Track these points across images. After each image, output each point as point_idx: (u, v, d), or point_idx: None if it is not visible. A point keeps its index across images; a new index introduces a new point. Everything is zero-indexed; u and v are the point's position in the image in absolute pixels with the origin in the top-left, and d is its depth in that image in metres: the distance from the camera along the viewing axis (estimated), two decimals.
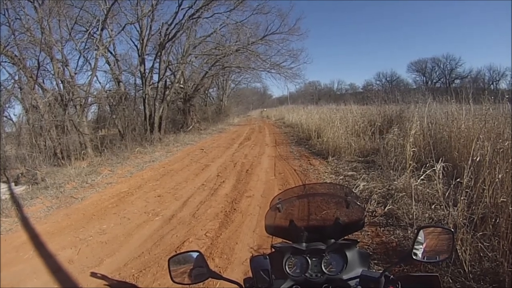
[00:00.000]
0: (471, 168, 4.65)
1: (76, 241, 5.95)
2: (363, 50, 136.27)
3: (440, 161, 5.29)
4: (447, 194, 4.87)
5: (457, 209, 4.29)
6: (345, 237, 1.73)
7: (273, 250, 1.69)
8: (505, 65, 65.47)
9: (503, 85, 64.90)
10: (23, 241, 6.26)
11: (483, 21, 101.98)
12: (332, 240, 1.62)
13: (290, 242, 1.70)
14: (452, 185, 5.05)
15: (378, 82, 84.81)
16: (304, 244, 1.64)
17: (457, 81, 73.85)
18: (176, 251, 4.96)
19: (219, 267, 4.52)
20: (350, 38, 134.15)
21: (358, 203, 1.78)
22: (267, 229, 1.86)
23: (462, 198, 4.29)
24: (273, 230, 1.86)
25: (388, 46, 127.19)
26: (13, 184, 10.83)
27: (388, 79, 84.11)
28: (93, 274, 4.65)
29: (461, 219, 4.10)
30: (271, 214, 1.80)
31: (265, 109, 70.87)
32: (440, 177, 5.04)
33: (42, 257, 5.47)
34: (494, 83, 68.56)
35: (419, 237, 1.48)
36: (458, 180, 4.86)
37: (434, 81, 78.44)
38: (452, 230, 1.49)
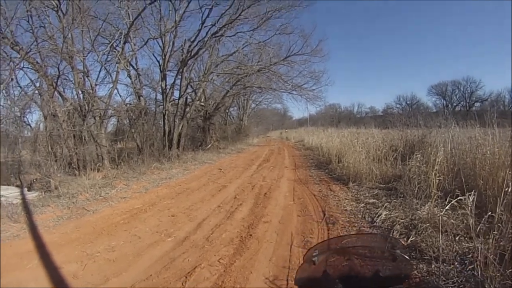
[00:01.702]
0: (504, 200, 4.40)
1: (83, 255, 5.76)
2: (384, 73, 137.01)
3: (472, 193, 5.00)
4: (479, 225, 4.61)
5: (488, 244, 4.05)
6: None
7: None
8: None
9: None
10: (28, 249, 6.15)
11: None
12: None
13: None
14: (477, 216, 4.82)
15: (398, 106, 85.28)
16: None
17: (477, 104, 74.00)
18: (186, 277, 4.76)
19: None
20: (371, 61, 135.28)
21: (407, 257, 1.58)
22: (297, 282, 1.63)
23: (494, 232, 4.05)
24: (303, 282, 1.62)
25: (409, 70, 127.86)
26: (26, 189, 10.75)
27: (408, 102, 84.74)
28: None
29: (492, 256, 3.83)
30: (305, 267, 1.60)
31: (286, 130, 71.08)
32: (473, 208, 4.75)
33: (45, 268, 5.32)
34: None
35: None
36: (489, 213, 4.58)
37: (455, 104, 78.67)
38: None
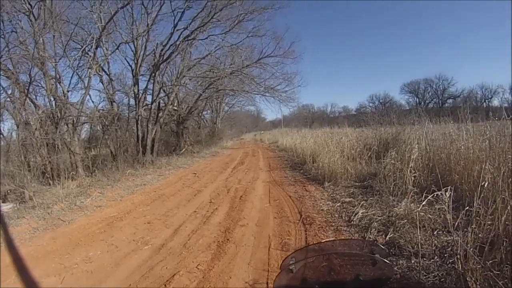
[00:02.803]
0: (481, 194, 4.45)
1: (60, 268, 5.64)
2: (356, 73, 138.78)
3: (448, 188, 5.05)
4: (458, 219, 4.66)
5: (466, 237, 4.09)
6: None
7: None
8: (497, 83, 66.65)
9: (495, 102, 66.22)
10: (6, 264, 5.97)
11: (474, 40, 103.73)
12: None
13: None
14: (454, 210, 4.89)
15: (371, 104, 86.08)
16: None
17: (450, 100, 75.42)
18: (165, 285, 4.71)
19: None
20: (343, 61, 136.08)
21: (386, 261, 1.56)
22: None
23: (472, 226, 4.10)
24: None
25: (381, 69, 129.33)
26: (0, 201, 10.57)
27: (381, 101, 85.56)
28: None
29: (471, 249, 3.88)
30: (283, 276, 1.56)
31: (262, 132, 71.11)
32: (450, 203, 4.80)
33: (24, 283, 5.21)
34: (486, 100, 69.73)
35: None
36: (467, 207, 4.67)
37: (427, 101, 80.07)
38: None
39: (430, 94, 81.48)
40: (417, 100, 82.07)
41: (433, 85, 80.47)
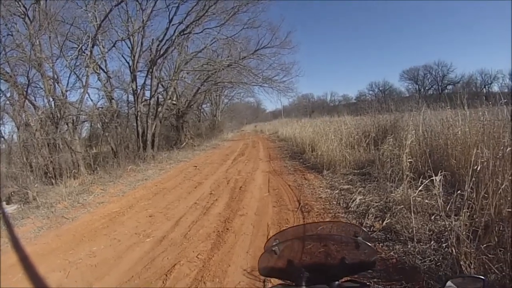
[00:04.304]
0: (472, 178, 4.51)
1: (65, 263, 5.74)
2: (356, 61, 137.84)
3: (439, 172, 5.11)
4: (449, 204, 4.74)
5: (459, 221, 4.15)
6: (352, 279, 1.55)
7: None
8: (497, 68, 66.31)
9: (495, 87, 65.91)
10: (12, 262, 6.08)
11: (473, 25, 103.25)
12: (337, 283, 1.43)
13: (288, 283, 1.55)
14: (452, 195, 4.93)
15: (371, 92, 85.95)
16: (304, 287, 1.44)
17: (450, 87, 75.04)
18: (166, 275, 4.82)
19: None
20: (342, 49, 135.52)
21: (369, 244, 1.58)
22: (261, 272, 1.66)
23: (464, 210, 4.16)
24: (268, 271, 1.67)
25: (381, 56, 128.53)
26: (4, 203, 10.66)
27: (381, 88, 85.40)
28: None
29: (464, 232, 3.94)
30: (266, 257, 1.61)
31: (266, 123, 70.79)
32: (440, 189, 4.86)
33: (30, 279, 5.30)
34: (486, 86, 69.51)
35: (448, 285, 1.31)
36: (459, 191, 4.70)
37: (427, 88, 79.83)
38: (483, 278, 1.31)
39: (429, 80, 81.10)
40: (417, 87, 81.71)
41: (432, 72, 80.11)
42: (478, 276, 1.34)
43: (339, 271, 1.49)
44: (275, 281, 1.73)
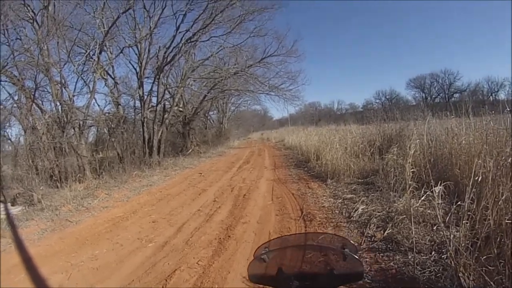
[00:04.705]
0: (473, 188, 4.50)
1: (67, 266, 5.79)
2: (363, 69, 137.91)
3: (439, 183, 5.10)
4: (448, 215, 4.73)
5: (459, 233, 4.14)
6: None
7: None
8: (503, 76, 66.13)
9: (502, 95, 65.74)
10: (15, 263, 6.15)
11: (479, 34, 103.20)
12: None
13: None
14: (453, 205, 4.91)
15: (377, 101, 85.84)
16: None
17: (456, 95, 74.84)
18: (166, 280, 4.86)
19: None
20: (349, 57, 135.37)
21: (356, 257, 1.58)
22: (251, 278, 1.66)
23: (464, 221, 4.15)
24: (258, 278, 1.66)
25: (388, 64, 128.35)
26: (9, 204, 10.71)
27: (387, 97, 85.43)
28: None
29: (463, 243, 3.94)
30: (255, 264, 1.62)
31: (273, 131, 70.69)
32: (439, 200, 4.83)
33: (32, 280, 5.36)
34: (493, 94, 69.32)
35: None
36: (459, 203, 4.67)
37: (434, 96, 79.76)
38: None
39: (436, 89, 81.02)
40: (424, 95, 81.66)
41: (439, 80, 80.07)
42: None
43: (327, 281, 1.50)
44: None
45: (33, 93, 14.47)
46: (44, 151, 13.83)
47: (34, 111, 14.67)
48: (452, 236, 4.16)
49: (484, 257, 3.78)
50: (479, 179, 4.60)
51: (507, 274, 3.52)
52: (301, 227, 6.82)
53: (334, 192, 9.48)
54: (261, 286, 1.68)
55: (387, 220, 6.23)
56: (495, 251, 3.83)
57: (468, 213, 4.31)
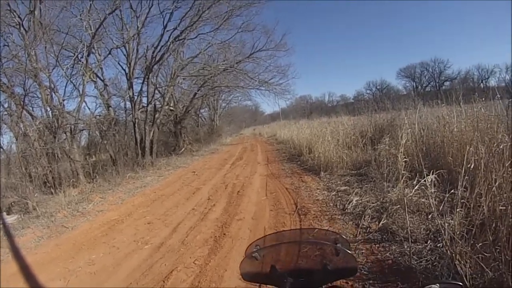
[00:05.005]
0: (466, 176, 4.51)
1: (65, 272, 5.79)
2: (353, 61, 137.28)
3: (432, 171, 5.10)
4: (442, 204, 4.74)
5: (453, 221, 4.16)
6: (336, 285, 1.55)
7: None
8: (493, 63, 66.29)
9: (492, 82, 65.90)
10: (13, 272, 6.12)
11: (469, 23, 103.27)
12: None
13: None
14: (447, 194, 4.92)
15: (368, 92, 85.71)
16: None
17: (447, 83, 74.95)
18: (164, 281, 4.86)
19: None
20: (339, 49, 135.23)
21: (349, 252, 1.58)
22: (244, 277, 1.63)
23: (458, 209, 4.16)
24: (251, 276, 1.65)
25: (377, 54, 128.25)
26: (5, 213, 10.68)
27: (378, 87, 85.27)
28: None
29: (458, 231, 3.96)
30: (247, 262, 1.61)
31: (265, 126, 70.62)
32: (433, 189, 4.83)
33: None
34: (483, 81, 69.47)
35: None
36: (452, 191, 4.69)
37: (424, 85, 79.82)
38: (461, 284, 1.31)
39: (426, 77, 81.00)
40: (414, 84, 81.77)
41: (429, 69, 80.00)
42: (455, 283, 1.34)
43: (321, 277, 1.49)
44: (263, 286, 1.74)
45: (23, 100, 14.39)
46: (36, 157, 13.77)
47: (24, 117, 14.59)
48: (446, 224, 4.18)
49: (480, 244, 3.78)
50: (472, 166, 4.61)
51: (503, 260, 3.49)
52: (296, 221, 6.84)
53: (327, 184, 9.51)
54: (256, 284, 1.68)
55: (382, 210, 6.25)
56: (490, 238, 3.82)
57: (462, 200, 4.31)
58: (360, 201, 7.04)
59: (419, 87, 79.56)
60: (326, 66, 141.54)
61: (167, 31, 20.49)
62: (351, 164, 10.83)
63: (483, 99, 7.11)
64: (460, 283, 1.30)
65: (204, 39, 22.38)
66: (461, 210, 4.21)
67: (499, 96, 6.70)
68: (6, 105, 14.56)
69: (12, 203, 11.36)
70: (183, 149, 26.81)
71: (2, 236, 8.50)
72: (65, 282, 5.39)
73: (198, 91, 27.13)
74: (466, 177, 4.47)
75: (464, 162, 4.58)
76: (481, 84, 67.33)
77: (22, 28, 14.54)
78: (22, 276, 5.89)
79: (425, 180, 5.19)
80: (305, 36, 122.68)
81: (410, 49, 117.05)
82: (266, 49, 25.69)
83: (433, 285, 1.28)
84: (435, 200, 5.32)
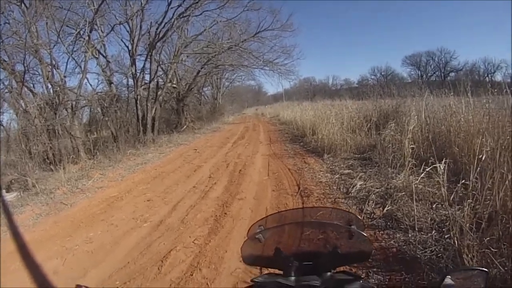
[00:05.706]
0: (477, 167, 4.42)
1: (62, 250, 5.71)
2: (358, 45, 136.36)
3: (443, 160, 4.99)
4: (453, 194, 4.63)
5: (463, 212, 4.05)
6: (345, 270, 1.42)
7: (252, 285, 1.37)
8: (500, 57, 65.71)
9: (498, 77, 65.33)
10: (10, 250, 6.02)
11: (477, 15, 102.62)
12: (329, 273, 1.31)
13: (276, 272, 1.40)
14: (453, 183, 4.84)
15: (373, 77, 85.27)
16: (293, 278, 1.32)
17: (452, 74, 74.32)
18: (162, 261, 4.79)
19: (207, 279, 4.27)
20: (345, 33, 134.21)
21: (364, 234, 1.44)
22: (245, 260, 1.51)
23: (468, 201, 4.06)
24: (253, 260, 1.54)
25: (383, 41, 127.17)
26: (4, 191, 10.62)
27: (383, 73, 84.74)
28: (78, 287, 4.46)
29: (468, 224, 3.84)
30: (249, 245, 1.47)
31: (267, 106, 70.49)
32: (445, 177, 4.73)
33: (28, 268, 5.24)
34: (489, 75, 68.93)
35: (446, 282, 1.18)
36: (463, 181, 4.64)
37: (429, 74, 79.03)
38: (486, 270, 1.19)
39: (432, 67, 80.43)
40: (419, 73, 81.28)
41: (435, 58, 79.36)
42: (480, 268, 1.22)
43: (331, 261, 1.38)
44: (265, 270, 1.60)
45: (23, 76, 14.25)
46: (37, 134, 13.70)
47: (25, 94, 14.50)
48: (456, 215, 4.08)
49: (488, 238, 3.71)
50: (483, 158, 4.52)
51: (510, 257, 3.44)
52: (298, 202, 6.80)
53: (331, 167, 9.46)
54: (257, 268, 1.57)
55: (386, 196, 6.16)
56: (500, 233, 3.78)
57: (473, 192, 4.24)
58: (364, 186, 6.97)
59: (424, 76, 79.21)
60: (331, 48, 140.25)
61: (171, 7, 20.14)
62: (355, 148, 10.79)
63: (495, 91, 6.99)
64: (486, 269, 1.18)
65: (209, 16, 22.16)
66: (471, 202, 4.12)
67: (509, 90, 6.56)
68: (7, 83, 14.45)
69: (12, 181, 11.32)
70: (185, 126, 26.77)
71: (1, 214, 8.43)
72: (62, 261, 5.31)
73: (201, 69, 26.90)
74: (478, 169, 4.38)
75: (476, 152, 4.49)
76: (487, 78, 67.02)
77: (23, 5, 14.32)
78: (19, 255, 5.79)
79: (431, 168, 5.10)
80: (311, 17, 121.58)
81: (416, 38, 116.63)
82: (272, 29, 25.43)
83: (455, 272, 1.18)
84: (439, 190, 5.26)
